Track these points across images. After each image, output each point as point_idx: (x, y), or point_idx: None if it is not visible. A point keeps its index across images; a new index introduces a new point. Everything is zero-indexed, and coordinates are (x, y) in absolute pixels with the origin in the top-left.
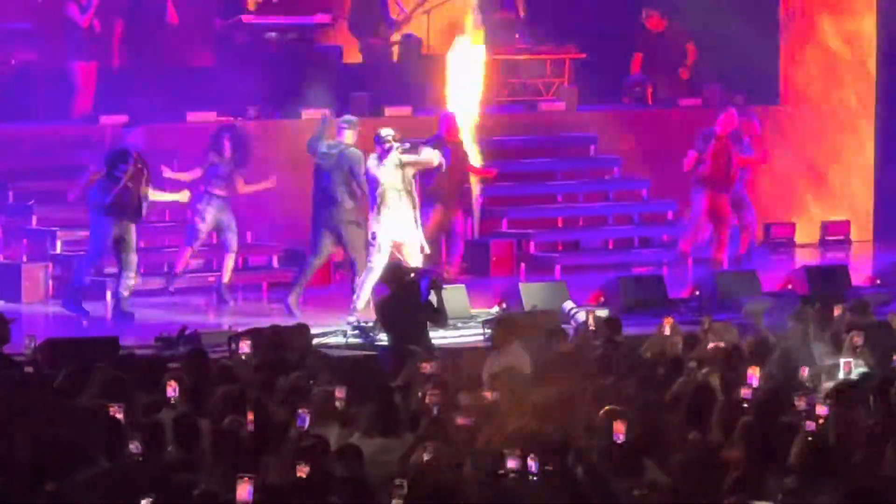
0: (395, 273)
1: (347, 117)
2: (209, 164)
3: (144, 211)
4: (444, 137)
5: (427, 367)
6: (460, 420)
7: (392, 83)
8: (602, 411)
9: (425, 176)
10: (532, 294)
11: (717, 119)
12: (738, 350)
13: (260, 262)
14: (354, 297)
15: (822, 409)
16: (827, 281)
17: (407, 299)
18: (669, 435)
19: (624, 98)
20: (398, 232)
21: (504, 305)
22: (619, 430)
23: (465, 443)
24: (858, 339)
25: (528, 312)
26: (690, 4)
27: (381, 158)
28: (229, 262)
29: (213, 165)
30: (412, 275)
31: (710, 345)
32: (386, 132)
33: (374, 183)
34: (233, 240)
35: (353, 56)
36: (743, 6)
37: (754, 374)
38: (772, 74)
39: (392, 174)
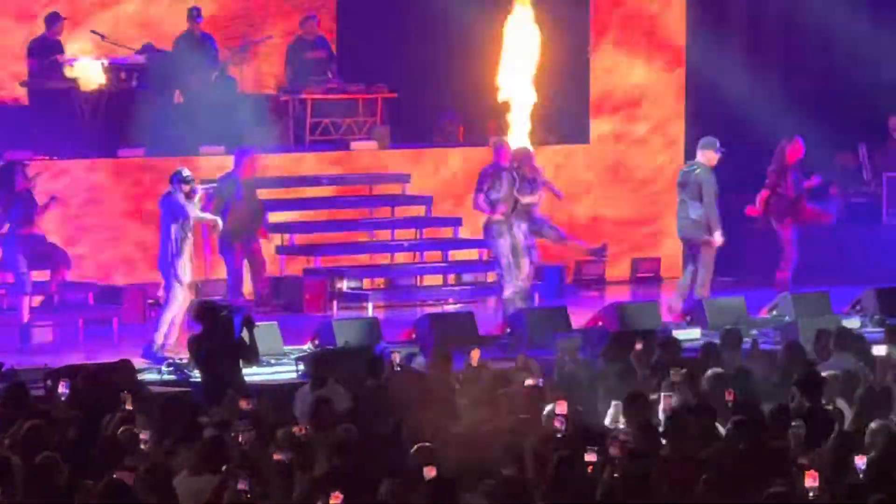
0: (208, 310)
1: (703, 140)
2: (7, 204)
3: None
4: (239, 176)
5: (243, 404)
6: (277, 456)
7: (208, 122)
8: (414, 448)
9: (223, 213)
10: (345, 331)
11: (497, 155)
12: (548, 386)
13: (77, 299)
14: (157, 333)
15: (628, 446)
16: (637, 318)
17: (220, 336)
18: (488, 470)
19: (436, 137)
20: (192, 268)
21: (317, 342)
22: (430, 469)
23: (281, 478)
24: (676, 377)
25: (342, 349)
26: None
27: (189, 198)
28: (27, 301)
29: (13, 204)
30: (225, 312)
31: (526, 382)
32: (188, 173)
33: (184, 220)
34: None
35: None
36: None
37: (563, 410)
38: (582, 114)
39: (197, 214)
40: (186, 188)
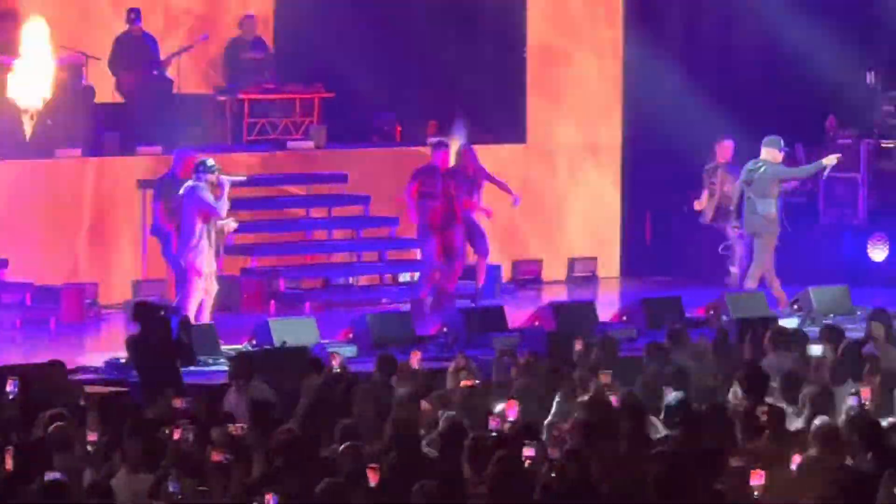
0: (145, 310)
1: (767, 138)
2: None
3: None
4: (179, 175)
5: (177, 403)
6: (216, 456)
7: (144, 122)
8: (343, 446)
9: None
10: (282, 331)
11: (434, 158)
12: (487, 387)
13: (14, 299)
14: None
15: (566, 445)
16: (574, 317)
17: (157, 336)
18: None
19: (373, 136)
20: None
21: (254, 342)
22: (373, 473)
23: (218, 478)
24: (606, 378)
25: (270, 349)
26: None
27: (216, 189)
28: None
29: None
30: (162, 312)
31: (463, 382)
32: (212, 162)
33: (211, 215)
34: None
35: (105, 95)
36: (493, 45)
37: (513, 409)
38: (519, 113)
39: (225, 207)
40: (212, 178)
